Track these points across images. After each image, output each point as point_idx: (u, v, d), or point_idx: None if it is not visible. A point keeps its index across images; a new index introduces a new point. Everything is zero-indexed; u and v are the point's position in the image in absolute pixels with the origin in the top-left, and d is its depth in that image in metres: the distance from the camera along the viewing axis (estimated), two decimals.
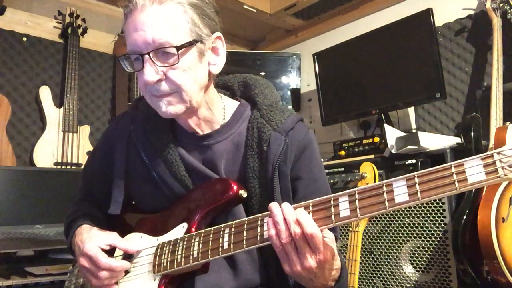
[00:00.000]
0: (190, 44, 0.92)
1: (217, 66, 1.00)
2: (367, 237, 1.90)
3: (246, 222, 0.85)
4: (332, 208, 0.77)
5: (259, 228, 0.82)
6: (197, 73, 0.95)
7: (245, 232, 0.83)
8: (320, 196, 0.99)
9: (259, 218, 0.83)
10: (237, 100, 1.12)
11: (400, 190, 0.71)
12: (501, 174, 0.63)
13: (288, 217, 0.77)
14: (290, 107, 2.95)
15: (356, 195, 0.75)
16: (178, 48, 0.90)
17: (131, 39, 0.92)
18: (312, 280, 0.83)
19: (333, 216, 0.77)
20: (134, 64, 0.96)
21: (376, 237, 1.88)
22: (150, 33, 0.89)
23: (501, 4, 1.99)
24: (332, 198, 0.78)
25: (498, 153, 0.63)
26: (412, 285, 1.74)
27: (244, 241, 0.83)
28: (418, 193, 0.69)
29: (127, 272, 0.99)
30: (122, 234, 1.06)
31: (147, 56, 0.90)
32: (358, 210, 0.74)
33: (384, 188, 0.73)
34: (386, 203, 0.72)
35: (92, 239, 0.98)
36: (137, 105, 1.14)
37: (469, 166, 0.66)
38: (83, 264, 0.96)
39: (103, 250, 0.96)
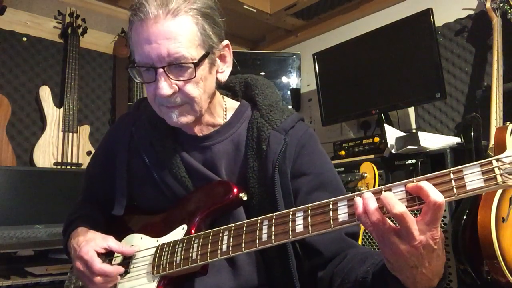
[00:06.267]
0: (204, 57, 0.91)
1: (224, 73, 1.00)
2: (367, 237, 1.90)
3: (245, 224, 0.85)
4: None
5: (258, 231, 0.82)
6: (208, 83, 0.95)
7: (244, 235, 0.83)
8: (328, 190, 0.98)
9: (258, 221, 0.83)
10: (238, 100, 1.11)
11: (398, 195, 0.68)
12: (500, 181, 0.62)
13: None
14: (290, 107, 2.95)
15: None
16: (196, 64, 0.89)
17: (142, 51, 0.89)
18: (417, 268, 0.68)
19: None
20: (143, 74, 0.94)
21: None
22: (165, 47, 0.87)
23: (501, 4, 1.99)
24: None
25: (497, 160, 0.62)
26: None
27: (243, 244, 0.83)
28: (417, 199, 0.67)
29: (126, 272, 0.99)
30: (124, 234, 1.06)
31: (161, 70, 0.89)
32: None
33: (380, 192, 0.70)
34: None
35: (88, 243, 0.98)
36: (139, 106, 1.14)
37: (468, 173, 0.64)
38: (79, 268, 0.96)
39: (99, 253, 0.96)
